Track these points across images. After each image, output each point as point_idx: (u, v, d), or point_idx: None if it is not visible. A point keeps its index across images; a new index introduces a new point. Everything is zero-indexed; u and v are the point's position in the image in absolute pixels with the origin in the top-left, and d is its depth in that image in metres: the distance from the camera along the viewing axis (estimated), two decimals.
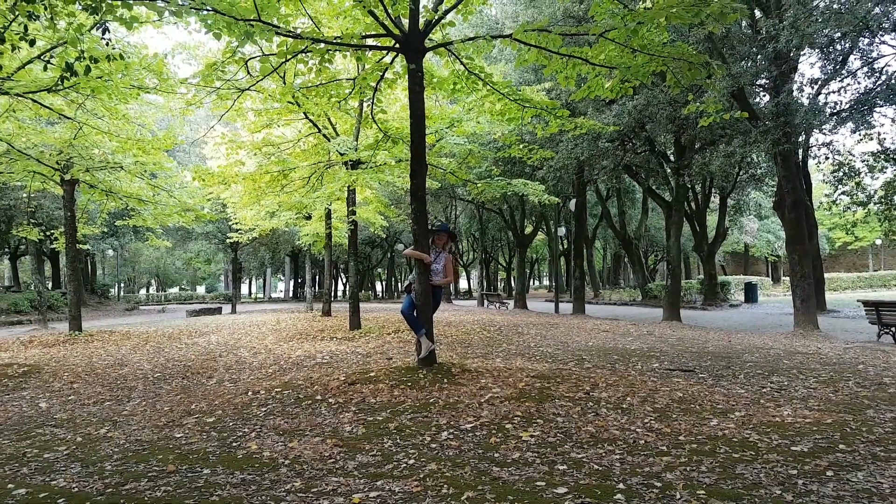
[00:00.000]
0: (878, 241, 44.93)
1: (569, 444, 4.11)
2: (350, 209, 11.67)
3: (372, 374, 6.30)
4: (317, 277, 44.38)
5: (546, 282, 75.53)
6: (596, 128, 8.58)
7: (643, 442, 4.12)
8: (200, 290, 72.84)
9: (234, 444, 4.38)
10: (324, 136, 11.08)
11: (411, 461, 3.84)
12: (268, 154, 10.73)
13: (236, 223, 16.12)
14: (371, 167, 10.43)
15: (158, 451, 4.22)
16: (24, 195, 15.38)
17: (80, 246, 14.55)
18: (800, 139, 13.67)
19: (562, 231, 23.95)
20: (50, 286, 31.60)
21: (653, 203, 31.81)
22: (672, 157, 16.10)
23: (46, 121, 11.46)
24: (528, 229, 28.54)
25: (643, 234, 30.86)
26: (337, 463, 3.87)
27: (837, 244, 52.43)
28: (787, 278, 45.50)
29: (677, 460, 3.71)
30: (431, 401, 5.34)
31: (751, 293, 27.91)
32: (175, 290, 73.09)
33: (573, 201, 20.64)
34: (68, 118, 9.91)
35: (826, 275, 30.70)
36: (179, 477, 3.64)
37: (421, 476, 3.54)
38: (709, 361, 7.70)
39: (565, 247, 32.40)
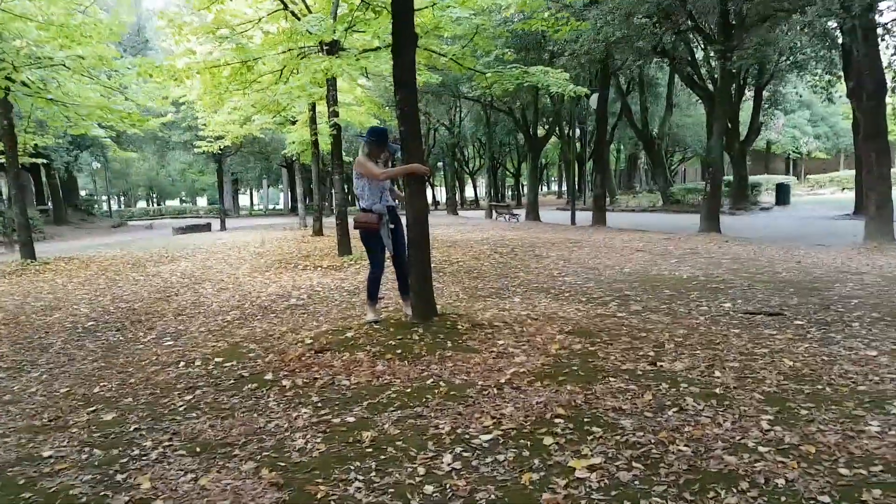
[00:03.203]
0: None
1: (658, 485, 2.42)
2: (332, 109, 9.54)
3: (350, 332, 4.59)
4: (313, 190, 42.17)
5: (555, 188, 73.16)
6: None
7: (782, 483, 2.40)
8: (202, 202, 70.96)
9: (119, 478, 2.73)
10: (293, 14, 8.78)
11: None
12: (221, 38, 8.50)
13: (203, 129, 14.04)
14: (352, 54, 8.20)
15: None
16: None
17: (33, 160, 12.60)
18: None
19: (577, 132, 21.64)
20: (28, 203, 29.92)
21: (678, 97, 29.11)
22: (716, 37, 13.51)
23: None
24: (541, 132, 26.06)
25: (667, 132, 28.31)
26: None
27: None
28: (812, 177, 43.12)
29: None
30: (429, 383, 3.65)
31: (783, 195, 25.80)
32: (176, 202, 71.49)
33: (594, 96, 18.16)
34: None
35: None
36: None
37: None
38: (794, 298, 5.92)
39: (579, 149, 30.01)
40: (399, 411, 3.27)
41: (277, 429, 3.17)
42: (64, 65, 9.68)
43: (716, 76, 19.61)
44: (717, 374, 3.70)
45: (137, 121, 10.49)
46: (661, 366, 3.84)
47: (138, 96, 11.08)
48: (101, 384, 4.09)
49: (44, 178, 28.90)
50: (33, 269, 10.12)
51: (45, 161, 14.92)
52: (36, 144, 11.70)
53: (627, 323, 4.97)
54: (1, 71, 8.71)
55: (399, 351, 4.16)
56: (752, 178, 28.38)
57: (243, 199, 69.44)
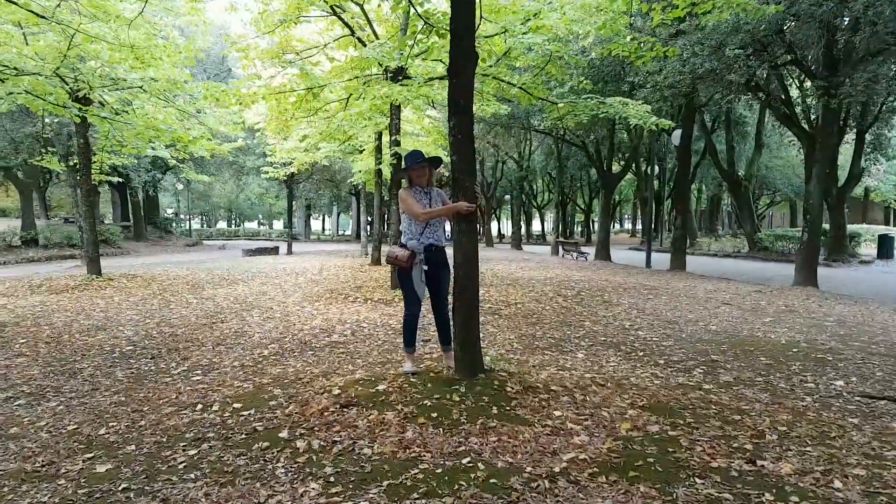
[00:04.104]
0: None
1: None
2: (393, 138, 9.18)
3: (382, 385, 4.00)
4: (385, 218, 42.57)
5: (628, 225, 70.86)
6: (748, 7, 5.58)
7: None
8: (278, 225, 73.45)
9: None
10: (359, 41, 8.55)
11: None
12: (286, 63, 8.34)
13: (271, 155, 14.11)
14: (417, 82, 7.81)
15: None
16: (48, 122, 13.89)
17: (108, 178, 12.98)
18: None
19: (655, 169, 20.51)
20: (115, 219, 31.60)
21: (767, 137, 27.41)
22: (816, 73, 12.33)
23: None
24: (616, 168, 25.01)
25: (755, 173, 26.55)
26: None
27: None
28: None
29: None
30: (465, 462, 2.99)
31: (886, 247, 23.41)
32: (254, 224, 74.36)
33: (677, 132, 17.14)
34: (56, 22, 7.87)
35: None
36: None
37: None
38: None
39: (656, 188, 28.67)
40: (423, 500, 2.63)
41: None
42: (142, 87, 9.85)
43: (812, 116, 18.17)
44: (838, 484, 2.85)
45: (192, 143, 10.53)
46: (763, 466, 3.01)
47: (209, 121, 11.19)
48: (111, 424, 3.69)
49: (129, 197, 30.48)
50: (96, 284, 10.24)
51: (119, 180, 15.45)
52: (113, 164, 12.05)
53: (717, 400, 4.12)
54: (80, 91, 8.93)
55: (434, 414, 3.52)
56: (852, 228, 26.06)
57: (316, 224, 71.33)
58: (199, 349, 5.87)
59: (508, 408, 3.67)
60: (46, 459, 3.10)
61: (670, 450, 3.20)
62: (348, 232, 55.84)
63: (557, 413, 3.65)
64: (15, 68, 7.83)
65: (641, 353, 5.73)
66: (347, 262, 15.23)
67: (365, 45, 8.47)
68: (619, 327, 7.07)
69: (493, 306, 8.18)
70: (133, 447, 3.28)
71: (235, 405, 3.84)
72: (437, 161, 4.49)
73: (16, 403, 4.21)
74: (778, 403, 4.11)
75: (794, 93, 20.15)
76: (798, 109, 17.87)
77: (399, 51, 6.86)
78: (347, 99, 9.87)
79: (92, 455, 3.14)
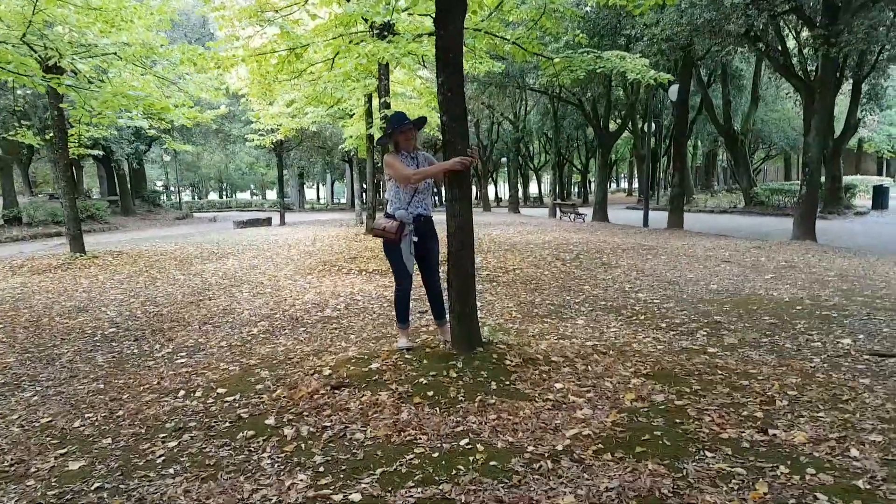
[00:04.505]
0: None
1: None
2: (382, 100, 8.83)
3: (375, 363, 3.83)
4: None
5: (624, 185, 70.42)
6: None
7: None
8: (271, 195, 72.63)
9: None
10: None
11: None
12: (262, 22, 7.92)
13: (256, 122, 13.68)
14: (402, 38, 7.41)
15: None
16: (20, 94, 13.33)
17: (88, 151, 12.57)
18: None
19: (652, 126, 20.13)
20: (102, 193, 30.96)
21: (763, 90, 26.95)
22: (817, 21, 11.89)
23: None
24: (613, 126, 24.55)
25: (751, 127, 26.17)
26: None
27: None
28: None
29: None
30: (463, 444, 2.83)
31: (880, 198, 23.26)
32: (246, 195, 73.52)
33: (674, 87, 16.72)
34: None
35: None
36: None
37: None
38: None
39: (652, 146, 28.29)
40: (419, 489, 2.47)
41: (263, 502, 2.44)
42: (115, 54, 9.39)
43: (809, 67, 17.73)
44: (855, 452, 2.71)
45: (167, 110, 10.07)
46: (775, 436, 2.86)
47: (189, 87, 10.75)
48: (87, 416, 3.50)
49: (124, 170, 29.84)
50: (80, 263, 9.96)
51: (100, 153, 14.96)
52: (92, 136, 11.62)
53: (723, 364, 3.98)
54: (49, 59, 8.49)
55: (430, 392, 3.36)
56: (848, 179, 25.85)
57: (310, 193, 70.59)
58: (185, 329, 5.68)
59: (508, 382, 3.51)
60: (16, 457, 2.92)
61: (677, 421, 3.06)
62: (343, 200, 55.34)
63: (559, 385, 3.50)
64: None
65: (643, 317, 5.57)
66: (342, 232, 14.98)
67: (349, 0, 8.05)
68: (618, 290, 6.91)
69: (490, 273, 8.00)
70: (109, 440, 3.09)
71: (220, 390, 3.67)
72: (421, 122, 4.22)
73: None
74: (786, 366, 3.97)
75: (791, 44, 19.64)
76: (794, 61, 17.44)
77: (385, 4, 6.48)
78: (333, 59, 9.47)
79: (65, 451, 2.97)
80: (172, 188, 46.40)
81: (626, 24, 13.39)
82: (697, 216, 22.87)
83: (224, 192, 70.61)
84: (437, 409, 3.19)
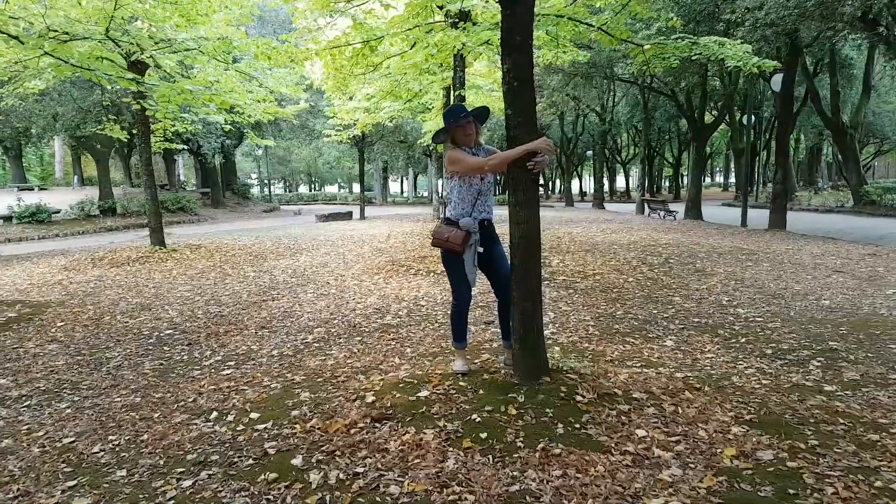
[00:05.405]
0: None
1: None
2: (457, 93, 8.38)
3: (424, 391, 3.38)
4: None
5: (719, 179, 66.24)
6: None
7: None
8: (357, 188, 74.28)
9: None
10: None
11: None
12: (333, 13, 7.66)
13: (333, 117, 13.62)
14: (478, 27, 6.91)
15: None
16: (110, 89, 13.91)
17: (171, 145, 12.97)
18: None
19: (751, 119, 18.41)
20: (197, 185, 32.36)
21: (875, 81, 24.33)
22: None
23: None
24: (708, 118, 22.84)
25: (861, 120, 23.67)
26: None
27: None
28: None
29: None
30: None
31: None
32: (334, 188, 75.66)
33: (777, 77, 15.16)
34: None
35: None
36: None
37: None
38: None
39: (751, 139, 26.16)
40: None
41: None
42: (197, 49, 9.48)
43: None
44: None
45: (242, 107, 10.06)
46: None
47: (268, 82, 10.77)
48: (111, 437, 3.23)
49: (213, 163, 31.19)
50: (157, 256, 10.19)
51: (183, 147, 15.36)
52: (176, 131, 11.94)
53: (844, 409, 3.22)
54: (133, 55, 8.65)
55: (484, 435, 2.87)
56: None
57: (394, 187, 71.57)
58: (241, 334, 5.48)
59: (578, 425, 2.95)
60: (22, 489, 2.68)
61: (791, 492, 2.40)
62: (425, 194, 55.60)
63: (641, 433, 2.90)
64: (66, 32, 7.58)
65: (743, 340, 4.80)
66: (417, 228, 14.71)
67: None
68: (714, 304, 6.10)
69: (567, 279, 7.37)
70: (124, 473, 2.77)
71: (253, 415, 3.33)
72: (484, 113, 3.69)
73: (25, 405, 3.88)
74: None
75: None
76: None
77: None
78: (409, 51, 9.12)
79: (74, 483, 2.70)
80: (265, 181, 48.30)
81: (726, 9, 12.16)
82: (800, 215, 20.86)
83: (312, 186, 73.00)
84: (490, 457, 2.69)
